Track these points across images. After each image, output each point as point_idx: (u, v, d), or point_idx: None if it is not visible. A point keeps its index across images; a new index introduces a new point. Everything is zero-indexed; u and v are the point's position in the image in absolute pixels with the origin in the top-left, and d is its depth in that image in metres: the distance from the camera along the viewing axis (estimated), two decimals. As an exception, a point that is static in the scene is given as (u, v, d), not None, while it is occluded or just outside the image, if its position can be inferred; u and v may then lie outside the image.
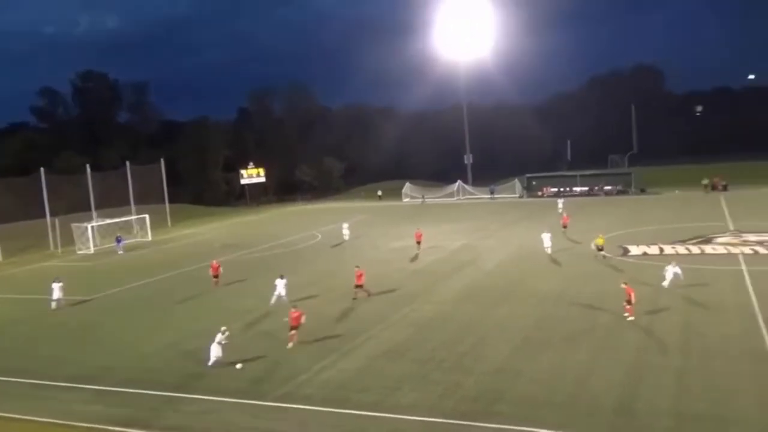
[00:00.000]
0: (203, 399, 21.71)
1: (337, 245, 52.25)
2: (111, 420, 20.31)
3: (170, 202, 79.75)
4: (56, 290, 35.90)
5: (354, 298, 32.96)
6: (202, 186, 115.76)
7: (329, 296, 34.81)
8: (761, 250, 39.64)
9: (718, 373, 20.95)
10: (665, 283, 31.25)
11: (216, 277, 39.04)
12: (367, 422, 19.22)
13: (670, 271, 31.35)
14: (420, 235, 46.91)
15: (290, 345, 25.86)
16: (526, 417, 18.66)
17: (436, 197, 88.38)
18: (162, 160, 77.29)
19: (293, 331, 26.06)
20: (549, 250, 41.36)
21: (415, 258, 44.42)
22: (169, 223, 75.98)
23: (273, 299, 33.27)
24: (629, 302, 26.91)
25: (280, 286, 33.19)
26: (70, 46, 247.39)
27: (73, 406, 21.84)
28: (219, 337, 24.69)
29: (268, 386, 22.32)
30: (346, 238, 54.28)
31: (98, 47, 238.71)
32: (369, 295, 33.33)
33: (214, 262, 40.33)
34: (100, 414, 20.88)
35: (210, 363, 24.42)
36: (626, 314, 26.93)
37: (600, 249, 39.50)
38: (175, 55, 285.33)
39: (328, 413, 19.93)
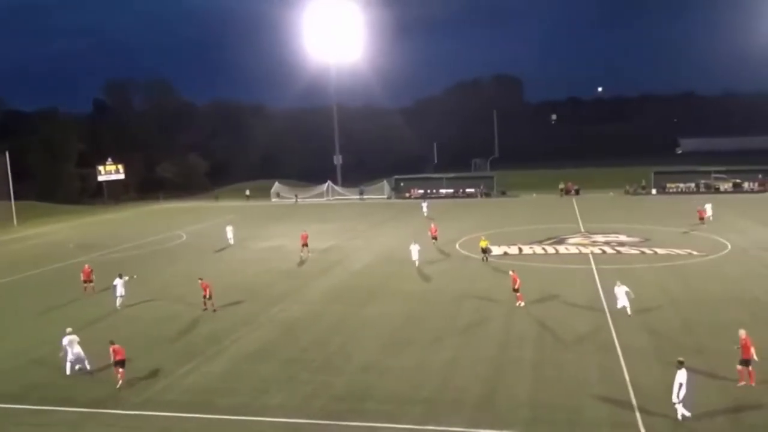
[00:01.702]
0: (52, 410, 20.15)
1: (221, 249, 48.60)
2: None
3: (16, 199, 73.79)
4: None
5: (204, 309, 30.86)
6: (53, 182, 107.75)
7: (195, 298, 33.48)
8: (608, 249, 42.70)
9: (570, 364, 22.25)
10: (626, 307, 27.32)
11: (87, 281, 35.60)
12: (232, 426, 18.66)
13: (621, 292, 27.80)
14: (306, 237, 44.87)
15: (120, 384, 21.60)
16: (393, 414, 18.88)
17: (307, 197, 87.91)
18: (6, 153, 71.21)
19: (120, 368, 21.70)
20: (417, 263, 39.10)
21: (302, 262, 42.51)
22: (15, 222, 70.35)
23: (118, 302, 31.92)
24: (516, 290, 29.28)
25: (120, 286, 32.10)
26: None
27: None
28: (67, 339, 22.99)
29: (125, 393, 21.10)
30: (231, 242, 50.39)
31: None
32: (214, 309, 30.84)
33: (86, 266, 36.94)
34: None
35: (68, 371, 22.82)
36: (518, 302, 29.12)
37: (485, 251, 40.34)
38: (21, 41, 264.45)
39: (192, 419, 19.14)
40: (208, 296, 30.85)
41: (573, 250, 43.33)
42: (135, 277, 34.55)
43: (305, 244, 44.40)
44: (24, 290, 37.81)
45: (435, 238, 46.08)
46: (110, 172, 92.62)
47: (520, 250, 43.87)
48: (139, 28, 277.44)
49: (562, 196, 78.60)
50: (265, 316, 29.74)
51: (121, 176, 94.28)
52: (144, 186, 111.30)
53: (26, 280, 40.81)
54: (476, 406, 19.35)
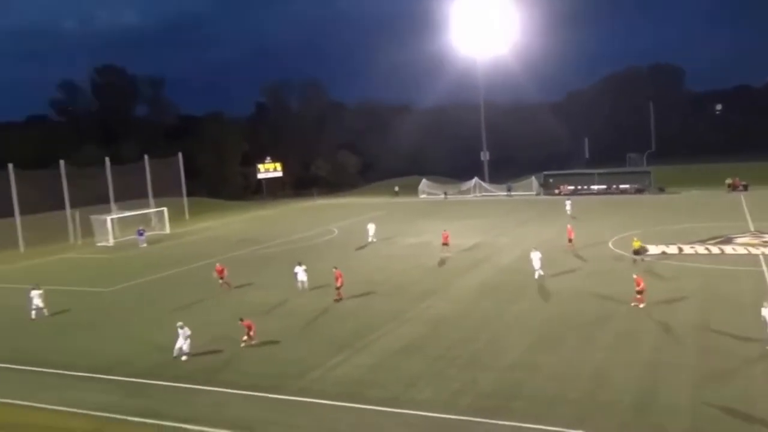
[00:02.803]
0: (217, 391, 21.88)
1: (361, 247, 49.29)
2: (127, 411, 20.55)
3: (188, 195, 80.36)
4: (35, 298, 32.87)
5: (335, 300, 32.36)
6: (220, 180, 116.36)
7: (344, 291, 34.87)
8: (782, 250, 39.19)
9: (736, 373, 20.75)
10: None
11: (222, 278, 37.34)
12: (381, 418, 19.26)
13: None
14: (447, 236, 44.42)
15: (243, 344, 26.02)
16: (542, 414, 18.60)
17: (455, 194, 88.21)
18: (180, 154, 77.83)
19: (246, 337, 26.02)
20: (538, 274, 34.69)
21: (443, 262, 41.99)
22: (187, 217, 76.53)
23: (299, 285, 34.72)
24: (639, 292, 28.21)
25: (300, 273, 34.90)
26: (88, 41, 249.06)
27: (91, 396, 22.09)
28: (181, 333, 25.12)
29: (282, 381, 22.42)
30: (373, 239, 50.77)
31: (116, 42, 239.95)
32: (340, 298, 32.59)
33: (218, 264, 38.69)
34: (114, 404, 21.12)
35: (174, 355, 25.06)
36: (634, 303, 28.21)
37: (637, 252, 38.15)
38: (191, 50, 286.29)
39: (344, 408, 19.99)
40: (339, 285, 32.40)
41: (741, 250, 40.15)
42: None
43: (446, 243, 44.03)
44: (198, 278, 41.00)
45: (570, 240, 43.19)
46: (269, 170, 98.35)
47: (680, 249, 41.33)
48: (296, 32, 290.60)
49: (729, 192, 73.02)
50: (412, 312, 30.28)
51: (279, 174, 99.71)
52: (299, 183, 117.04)
53: (198, 269, 44.27)
54: (630, 411, 18.58)
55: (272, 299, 33.91)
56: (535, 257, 34.96)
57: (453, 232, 46.55)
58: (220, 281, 37.19)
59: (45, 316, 32.81)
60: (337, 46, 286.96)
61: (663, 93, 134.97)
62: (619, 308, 28.64)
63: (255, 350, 25.47)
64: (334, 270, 33.44)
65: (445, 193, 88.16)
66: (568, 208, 61.16)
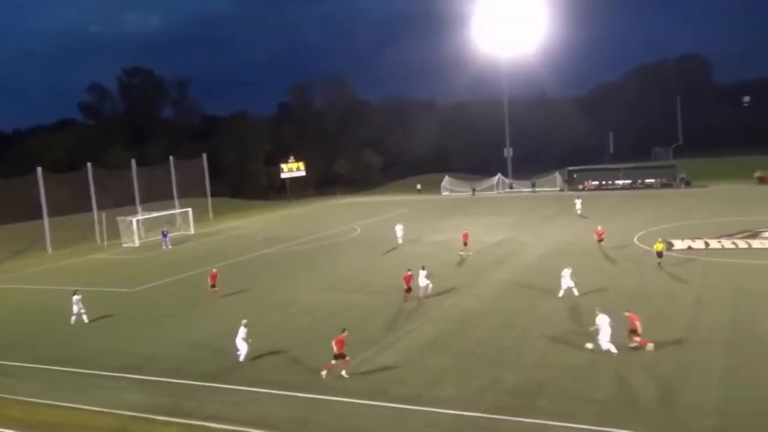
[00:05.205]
0: (241, 390, 22.06)
1: (391, 250, 46.92)
2: (153, 409, 20.79)
3: (212, 195, 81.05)
4: (76, 304, 32.37)
5: (405, 301, 31.52)
6: (244, 179, 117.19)
7: (369, 289, 34.96)
8: (813, 244, 38.42)
9: (766, 370, 20.37)
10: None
11: (213, 286, 35.65)
12: (405, 415, 19.25)
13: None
14: (467, 236, 43.53)
15: (324, 374, 22.52)
16: (566, 413, 18.46)
17: (482, 190, 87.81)
18: (204, 155, 78.52)
19: (335, 361, 22.54)
20: (563, 292, 30.78)
21: (461, 262, 41.44)
22: (211, 217, 77.18)
23: (420, 292, 32.16)
24: (635, 331, 22.92)
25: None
26: (115, 44, 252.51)
27: (118, 394, 22.40)
28: (242, 331, 24.72)
29: (306, 378, 22.51)
30: (400, 241, 48.49)
31: (142, 45, 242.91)
32: (413, 298, 31.77)
33: (214, 270, 36.85)
34: (144, 403, 21.39)
35: (241, 359, 24.54)
36: (632, 344, 22.84)
37: (660, 255, 35.74)
38: (215, 51, 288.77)
39: (368, 405, 20.02)
40: (408, 288, 31.49)
41: (770, 245, 39.46)
42: None
43: (466, 243, 43.16)
44: (223, 277, 41.24)
45: (601, 239, 41.91)
46: (292, 169, 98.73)
47: (707, 244, 40.70)
48: (320, 31, 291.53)
49: (758, 185, 71.72)
50: (438, 309, 30.23)
51: (302, 173, 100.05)
52: (323, 182, 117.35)
53: (223, 269, 44.63)
54: (654, 410, 18.37)
55: (296, 297, 34.07)
56: (566, 274, 30.89)
57: (477, 228, 46.31)
58: (213, 288, 35.59)
59: (84, 323, 32.20)
60: (363, 45, 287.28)
61: (690, 85, 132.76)
62: (650, 300, 28.31)
63: (279, 349, 25.54)
64: (408, 272, 32.08)
65: (473, 189, 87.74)
66: (578, 207, 58.04)
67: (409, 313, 29.84)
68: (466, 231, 44.50)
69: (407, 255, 44.29)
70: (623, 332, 22.88)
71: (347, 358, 22.50)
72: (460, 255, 42.73)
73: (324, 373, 22.40)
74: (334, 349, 22.31)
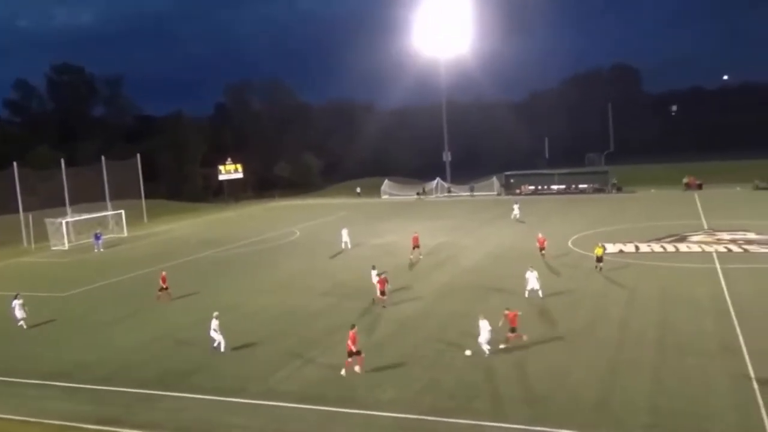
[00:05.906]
0: (176, 396, 21.53)
1: (337, 254, 46.33)
2: (83, 418, 20.05)
3: (146, 197, 78.94)
4: (17, 308, 31.36)
5: (383, 306, 30.87)
6: (180, 181, 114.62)
7: (312, 293, 34.71)
8: (734, 248, 40.18)
9: (692, 368, 21.17)
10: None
11: (165, 288, 34.97)
12: (344, 419, 19.15)
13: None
14: (417, 239, 42.72)
15: (343, 372, 22.43)
16: (501, 413, 18.76)
17: (424, 194, 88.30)
18: (138, 155, 76.36)
19: (350, 358, 22.54)
20: (529, 292, 30.88)
21: (412, 265, 40.85)
22: (146, 219, 75.19)
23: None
24: (513, 330, 24.03)
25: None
26: (45, 39, 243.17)
27: (45, 403, 21.54)
28: (214, 323, 25.24)
29: (245, 383, 22.16)
30: (348, 246, 47.74)
31: (73, 41, 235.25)
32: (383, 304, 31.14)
33: (164, 273, 36.38)
34: (72, 412, 20.62)
35: (222, 349, 25.03)
36: (504, 345, 23.87)
37: (599, 260, 35.88)
38: (150, 48, 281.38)
39: (308, 410, 19.84)
40: (382, 292, 31.11)
41: (695, 248, 41.07)
42: None
43: (416, 246, 42.74)
44: (157, 281, 40.27)
45: (542, 249, 40.41)
46: (230, 171, 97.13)
47: (637, 248, 42.10)
48: (259, 33, 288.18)
49: (685, 190, 74.70)
50: (379, 312, 30.24)
51: (240, 175, 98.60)
52: (261, 184, 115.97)
53: (157, 272, 43.55)
54: (590, 408, 18.82)
55: (238, 300, 33.51)
56: (532, 277, 30.77)
57: (417, 232, 46.26)
58: (161, 291, 34.98)
59: (23, 329, 30.94)
60: (304, 47, 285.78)
61: (622, 94, 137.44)
62: (583, 303, 29.05)
63: (220, 354, 25.07)
64: (382, 275, 31.89)
65: (418, 193, 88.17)
66: (515, 212, 58.15)
67: (352, 316, 29.69)
68: (416, 234, 43.59)
69: (352, 258, 44.18)
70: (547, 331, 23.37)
71: (362, 354, 22.53)
72: (410, 259, 42.18)
73: (343, 371, 22.35)
74: (349, 346, 22.38)
